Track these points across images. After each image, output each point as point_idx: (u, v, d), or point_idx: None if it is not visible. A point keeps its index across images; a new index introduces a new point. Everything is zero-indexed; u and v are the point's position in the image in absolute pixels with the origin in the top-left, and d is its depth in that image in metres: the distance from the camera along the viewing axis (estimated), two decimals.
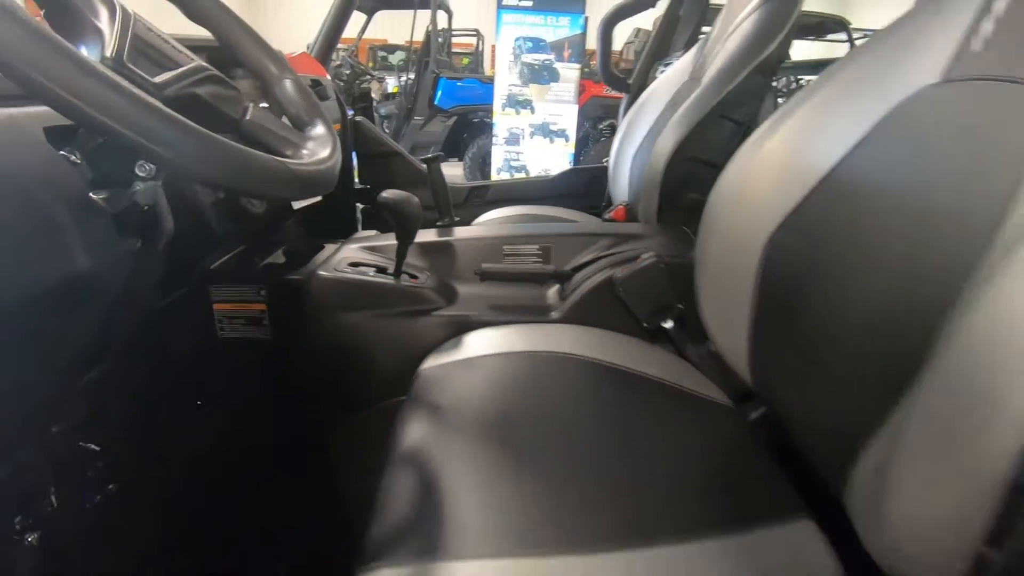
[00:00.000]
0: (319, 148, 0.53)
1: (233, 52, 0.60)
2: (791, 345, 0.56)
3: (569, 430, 0.61)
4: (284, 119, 0.60)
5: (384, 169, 1.54)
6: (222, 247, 0.91)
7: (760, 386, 0.64)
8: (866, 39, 0.73)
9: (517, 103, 4.10)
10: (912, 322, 0.41)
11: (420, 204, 0.82)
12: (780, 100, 3.48)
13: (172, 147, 0.35)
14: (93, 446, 0.69)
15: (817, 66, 3.96)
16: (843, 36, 4.93)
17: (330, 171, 0.50)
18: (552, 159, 4.14)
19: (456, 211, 1.14)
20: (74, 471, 0.67)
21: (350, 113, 1.49)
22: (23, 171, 0.42)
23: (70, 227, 0.44)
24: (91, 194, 0.45)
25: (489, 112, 4.20)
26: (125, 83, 0.33)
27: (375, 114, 3.48)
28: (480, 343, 0.78)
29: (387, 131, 4.40)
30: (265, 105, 0.59)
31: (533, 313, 0.88)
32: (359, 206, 1.57)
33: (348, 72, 3.21)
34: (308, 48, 1.71)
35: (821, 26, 4.97)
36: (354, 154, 1.53)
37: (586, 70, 4.27)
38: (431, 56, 4.46)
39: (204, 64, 0.52)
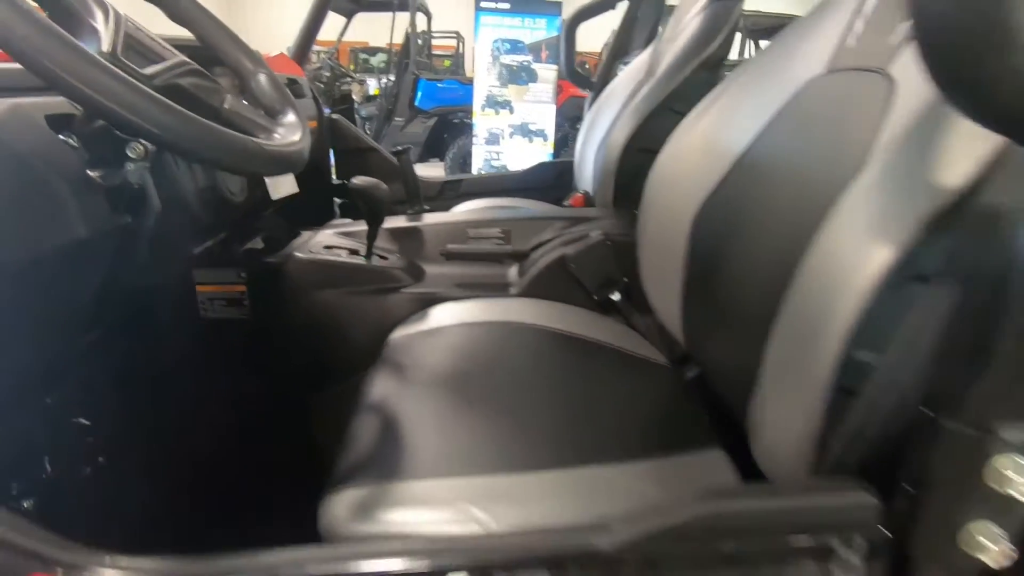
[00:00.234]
0: (289, 133, 0.60)
1: (212, 50, 0.66)
2: (712, 308, 0.64)
3: (521, 383, 0.69)
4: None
5: (361, 164, 1.61)
6: (205, 234, 0.97)
7: (692, 347, 0.72)
8: None
9: (496, 104, 4.18)
10: (784, 271, 0.49)
11: (389, 191, 0.90)
12: None
13: (164, 127, 0.42)
14: (84, 420, 0.75)
15: None
16: None
17: (299, 153, 0.57)
18: (532, 158, 4.20)
19: (431, 204, 1.21)
20: (66, 442, 0.72)
21: (327, 112, 1.55)
22: (28, 151, 0.49)
23: (70, 199, 0.50)
24: (88, 171, 0.52)
25: (469, 113, 4.27)
26: (126, 76, 0.40)
27: (356, 116, 3.52)
28: (445, 315, 0.86)
29: (369, 132, 4.44)
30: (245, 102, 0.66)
31: (494, 289, 0.96)
32: (337, 200, 1.63)
33: (328, 74, 3.25)
34: (287, 51, 1.76)
35: (778, 27, 5.10)
36: (331, 151, 1.59)
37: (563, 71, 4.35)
38: (411, 58, 4.52)
39: (187, 59, 0.59)
